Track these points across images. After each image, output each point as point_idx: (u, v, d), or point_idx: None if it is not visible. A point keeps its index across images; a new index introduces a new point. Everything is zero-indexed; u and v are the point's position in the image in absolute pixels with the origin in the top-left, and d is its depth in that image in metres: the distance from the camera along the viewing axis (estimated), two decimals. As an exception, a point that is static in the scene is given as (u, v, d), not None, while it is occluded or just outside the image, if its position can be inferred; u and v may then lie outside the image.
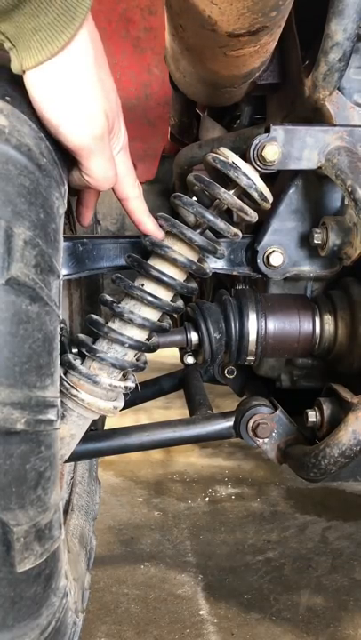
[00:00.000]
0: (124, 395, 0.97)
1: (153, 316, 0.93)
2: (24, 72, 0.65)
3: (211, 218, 0.92)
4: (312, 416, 1.02)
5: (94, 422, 1.01)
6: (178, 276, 0.93)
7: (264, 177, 0.96)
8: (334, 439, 0.90)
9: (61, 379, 0.88)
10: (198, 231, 0.93)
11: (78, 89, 0.67)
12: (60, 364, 0.85)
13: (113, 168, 0.77)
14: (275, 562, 1.81)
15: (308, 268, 1.08)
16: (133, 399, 1.51)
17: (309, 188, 1.06)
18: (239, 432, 1.12)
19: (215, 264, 1.07)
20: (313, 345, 1.10)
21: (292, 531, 1.98)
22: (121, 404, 0.96)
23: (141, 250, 0.96)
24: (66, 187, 0.76)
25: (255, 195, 0.94)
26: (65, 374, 0.90)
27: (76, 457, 1.04)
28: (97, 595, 1.63)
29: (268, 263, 1.06)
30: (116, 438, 1.12)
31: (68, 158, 0.74)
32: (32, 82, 0.66)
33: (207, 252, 0.93)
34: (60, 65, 0.65)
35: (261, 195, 0.94)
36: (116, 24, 2.01)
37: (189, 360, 1.13)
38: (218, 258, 0.99)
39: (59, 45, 0.63)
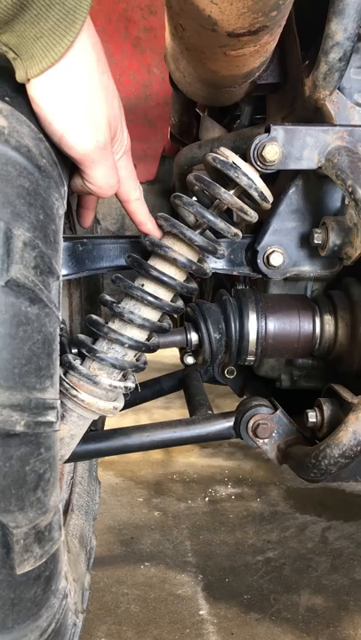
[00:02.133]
0: (124, 395, 0.97)
1: (153, 316, 0.93)
2: (28, 80, 0.65)
3: (211, 218, 0.92)
4: (312, 416, 1.02)
5: (94, 423, 1.01)
6: (178, 276, 0.93)
7: (264, 177, 0.96)
8: (335, 439, 0.90)
9: (61, 379, 0.88)
10: (198, 231, 0.93)
11: (82, 96, 0.67)
12: (60, 364, 0.85)
13: (115, 175, 0.78)
14: (275, 562, 1.81)
15: (308, 268, 1.08)
16: (133, 399, 1.50)
17: (310, 188, 1.06)
18: (239, 432, 1.12)
19: (215, 264, 1.07)
20: (313, 345, 1.10)
21: (292, 531, 1.98)
22: (121, 404, 0.96)
23: (141, 250, 0.96)
24: (66, 187, 0.75)
25: (255, 195, 0.94)
26: (65, 375, 0.90)
27: (75, 457, 1.04)
28: (97, 595, 1.63)
29: (268, 263, 1.06)
30: (116, 438, 1.12)
31: (68, 160, 0.74)
32: (36, 90, 0.66)
33: (207, 252, 0.93)
34: (63, 71, 0.65)
35: (261, 195, 0.94)
36: (115, 24, 2.00)
37: (189, 360, 1.13)
38: (218, 258, 0.99)
39: (62, 50, 0.63)
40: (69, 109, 0.67)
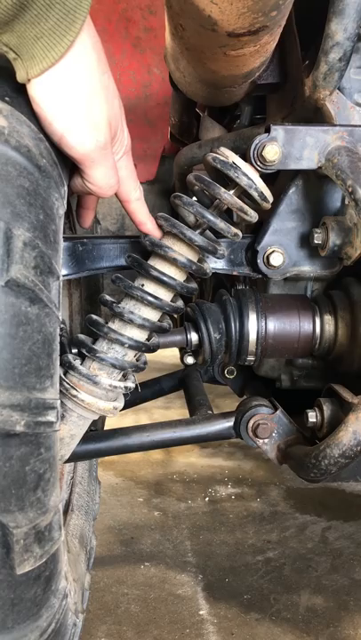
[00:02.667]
0: (124, 395, 0.97)
1: (153, 316, 0.93)
2: (29, 80, 0.65)
3: (211, 218, 0.92)
4: (312, 416, 1.02)
5: (94, 423, 1.01)
6: (178, 276, 0.93)
7: (264, 177, 0.96)
8: (335, 439, 0.90)
9: (61, 379, 0.88)
10: (198, 231, 0.93)
11: (83, 96, 0.67)
12: (60, 364, 0.85)
13: (115, 175, 0.78)
14: (275, 562, 1.81)
15: (308, 268, 1.08)
16: (133, 399, 1.50)
17: (310, 188, 1.06)
18: (239, 432, 1.12)
19: (215, 264, 1.07)
20: (313, 345, 1.10)
21: (292, 531, 1.98)
22: (121, 404, 0.96)
23: (141, 250, 0.96)
24: (66, 187, 0.75)
25: (255, 195, 0.94)
26: (65, 375, 0.90)
27: (75, 457, 1.04)
28: (97, 595, 1.63)
29: (268, 263, 1.06)
30: (116, 438, 1.12)
31: (68, 160, 0.74)
32: (37, 90, 0.66)
33: (207, 252, 0.93)
34: (64, 71, 0.65)
35: (261, 195, 0.94)
36: (115, 24, 2.00)
37: (189, 360, 1.13)
38: (218, 258, 0.99)
39: (62, 50, 0.63)
40: (70, 109, 0.67)
